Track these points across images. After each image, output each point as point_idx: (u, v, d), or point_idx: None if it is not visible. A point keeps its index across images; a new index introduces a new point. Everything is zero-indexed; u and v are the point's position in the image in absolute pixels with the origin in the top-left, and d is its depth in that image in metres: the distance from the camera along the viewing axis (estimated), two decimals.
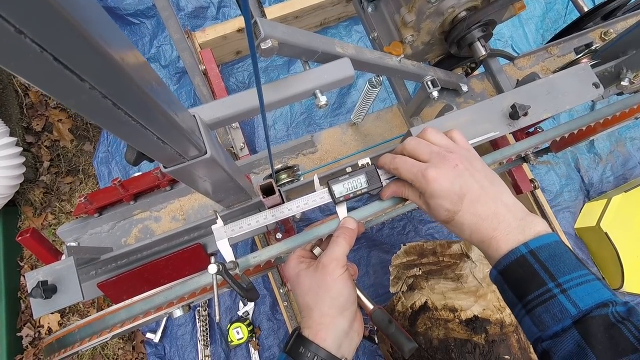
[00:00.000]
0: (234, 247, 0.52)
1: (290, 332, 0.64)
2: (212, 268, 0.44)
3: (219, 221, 0.50)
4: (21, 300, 1.36)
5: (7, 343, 1.28)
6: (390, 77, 0.87)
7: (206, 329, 1.26)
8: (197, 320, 1.27)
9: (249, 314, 1.27)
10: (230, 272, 0.47)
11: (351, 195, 0.50)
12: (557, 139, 0.63)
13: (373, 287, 1.28)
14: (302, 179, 0.71)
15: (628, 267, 1.17)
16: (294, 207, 0.51)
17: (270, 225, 0.58)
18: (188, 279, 0.51)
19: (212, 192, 0.50)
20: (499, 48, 0.95)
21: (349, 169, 0.51)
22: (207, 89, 1.09)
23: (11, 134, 1.28)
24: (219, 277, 0.46)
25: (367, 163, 0.52)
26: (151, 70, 0.25)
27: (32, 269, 1.23)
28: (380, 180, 0.51)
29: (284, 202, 0.51)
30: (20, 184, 1.34)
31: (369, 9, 0.73)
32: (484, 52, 0.65)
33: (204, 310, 1.27)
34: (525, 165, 1.11)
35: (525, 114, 0.56)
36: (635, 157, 1.40)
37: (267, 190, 0.48)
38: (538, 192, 1.20)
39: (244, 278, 0.52)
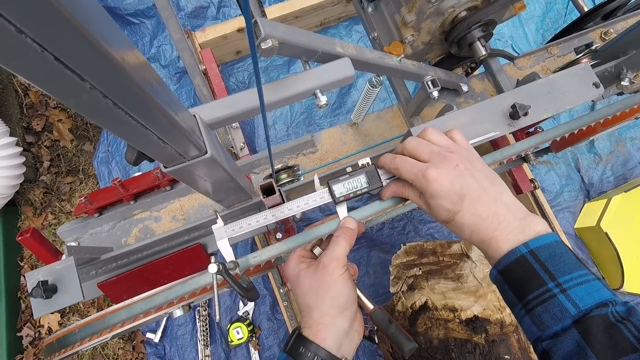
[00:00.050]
0: (234, 247, 0.52)
1: (290, 332, 0.64)
2: (213, 268, 0.44)
3: (219, 221, 0.50)
4: (21, 300, 1.36)
5: (7, 343, 1.28)
6: (390, 77, 0.87)
7: (206, 329, 1.26)
8: (197, 320, 1.27)
9: (249, 314, 1.27)
10: (231, 272, 0.47)
11: (351, 195, 0.50)
12: (557, 138, 0.63)
13: (373, 287, 1.28)
14: (302, 178, 0.71)
15: (628, 267, 1.17)
16: (294, 207, 0.51)
17: (270, 225, 0.58)
18: (188, 278, 0.51)
19: (212, 192, 0.50)
20: (499, 48, 0.95)
21: (349, 169, 0.51)
22: (207, 89, 1.09)
23: (11, 134, 1.28)
24: (219, 276, 0.46)
25: (368, 163, 0.52)
26: (152, 70, 0.25)
27: (32, 269, 1.23)
28: (381, 180, 0.51)
29: (284, 202, 0.51)
30: (21, 183, 1.34)
31: (369, 9, 0.73)
32: (484, 52, 0.65)
33: (204, 310, 1.27)
34: (525, 165, 1.11)
35: (526, 114, 0.56)
36: (635, 157, 1.40)
37: (268, 190, 0.48)
38: (538, 192, 1.20)
39: (244, 278, 0.52)
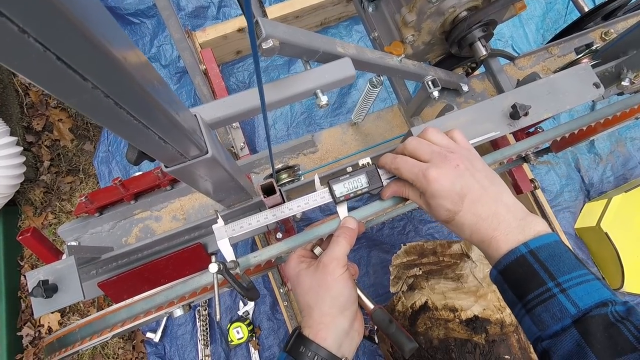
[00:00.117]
0: (235, 246, 0.52)
1: (290, 331, 0.64)
2: (213, 267, 0.44)
3: (220, 221, 0.50)
4: (21, 300, 1.36)
5: (7, 342, 1.28)
6: (390, 77, 0.87)
7: (206, 329, 1.26)
8: (197, 319, 1.27)
9: (249, 314, 1.27)
10: (231, 272, 0.47)
11: (352, 195, 0.50)
12: (558, 139, 0.63)
13: (373, 287, 1.28)
14: (302, 178, 0.71)
15: (628, 268, 1.17)
16: (295, 207, 0.51)
17: (270, 225, 0.58)
18: (188, 278, 0.52)
19: (212, 191, 0.50)
20: (500, 48, 0.95)
21: (349, 169, 0.51)
22: (208, 89, 1.09)
23: (11, 134, 1.28)
24: (219, 276, 0.46)
25: (368, 163, 0.52)
26: (153, 69, 0.26)
27: (32, 269, 1.23)
28: (381, 180, 0.51)
29: (284, 202, 0.51)
30: (21, 183, 1.34)
31: (370, 9, 0.73)
32: (484, 52, 0.65)
33: (204, 310, 1.28)
34: (525, 165, 1.11)
35: (526, 114, 0.56)
36: (635, 157, 1.40)
37: (268, 190, 0.48)
38: (538, 192, 1.20)
39: (244, 277, 0.52)
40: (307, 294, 0.47)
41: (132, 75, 0.21)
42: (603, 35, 0.86)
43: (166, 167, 0.37)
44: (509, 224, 0.42)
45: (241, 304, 1.28)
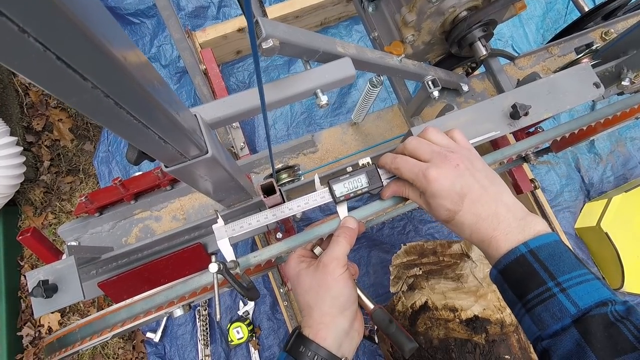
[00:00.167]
0: (235, 246, 0.52)
1: (290, 331, 0.64)
2: (213, 267, 0.44)
3: (220, 220, 0.50)
4: (21, 300, 1.36)
5: (7, 342, 1.28)
6: (390, 76, 0.87)
7: (206, 329, 1.26)
8: (197, 319, 1.27)
9: (249, 314, 1.27)
10: (231, 272, 0.47)
11: (352, 194, 0.50)
12: (558, 138, 0.63)
13: (373, 287, 1.28)
14: (302, 178, 0.71)
15: (628, 267, 1.17)
16: (295, 207, 0.51)
17: (270, 225, 0.58)
18: (189, 278, 0.52)
19: (212, 191, 0.50)
20: (500, 48, 0.95)
21: (349, 169, 0.51)
22: (208, 89, 1.09)
23: (11, 134, 1.28)
24: (219, 276, 0.46)
25: (368, 163, 0.52)
26: (153, 69, 0.26)
27: (32, 269, 1.23)
28: (381, 179, 0.51)
29: (284, 202, 0.51)
30: (21, 183, 1.34)
31: (370, 9, 0.73)
32: (484, 52, 0.65)
33: (204, 310, 1.28)
34: (525, 165, 1.11)
35: (526, 114, 0.56)
36: (635, 157, 1.40)
37: (268, 190, 0.48)
38: (538, 192, 1.20)
39: (244, 277, 0.52)
40: (307, 293, 0.47)
41: (132, 75, 0.21)
42: (603, 35, 0.86)
43: (166, 167, 0.37)
44: (508, 224, 0.42)
45: (241, 303, 1.28)
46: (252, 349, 1.25)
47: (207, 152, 0.37)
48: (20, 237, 0.56)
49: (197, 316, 1.27)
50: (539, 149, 0.91)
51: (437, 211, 0.45)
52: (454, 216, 0.44)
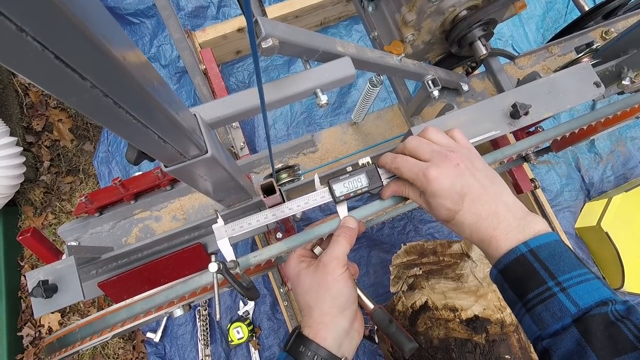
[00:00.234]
0: (235, 246, 0.52)
1: (290, 331, 0.64)
2: (213, 267, 0.44)
3: (220, 220, 0.50)
4: (21, 300, 1.36)
5: (7, 342, 1.28)
6: (390, 76, 0.87)
7: (206, 329, 1.26)
8: (197, 319, 1.27)
9: (249, 314, 1.27)
10: (231, 271, 0.47)
11: (352, 194, 0.50)
12: (558, 138, 0.63)
13: (373, 287, 1.28)
14: (302, 178, 0.71)
15: (629, 267, 1.17)
16: (295, 207, 0.51)
17: (270, 225, 0.58)
18: (188, 278, 0.51)
19: (212, 191, 0.50)
20: (500, 47, 0.94)
21: (349, 168, 0.51)
22: (208, 89, 1.09)
23: (11, 134, 1.28)
24: (219, 276, 0.46)
25: (368, 162, 0.52)
26: (152, 69, 0.25)
27: (32, 269, 1.23)
28: (381, 179, 0.51)
29: (284, 202, 0.51)
30: (21, 183, 1.34)
31: (370, 8, 0.73)
32: (484, 51, 0.65)
33: (205, 310, 1.28)
34: (525, 165, 1.11)
35: (526, 113, 0.56)
36: (635, 156, 1.40)
37: (268, 190, 0.48)
38: (538, 191, 1.20)
39: (244, 277, 0.52)
40: (307, 293, 0.47)
41: (131, 74, 0.21)
42: (603, 34, 0.86)
43: (166, 166, 0.37)
44: (509, 223, 0.42)
45: (241, 303, 1.28)
46: (252, 349, 1.25)
47: (206, 152, 0.37)
48: (20, 237, 0.56)
49: (197, 316, 1.27)
50: (539, 149, 0.91)
51: (437, 211, 0.45)
52: (454, 216, 0.44)
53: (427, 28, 0.66)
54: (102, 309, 0.53)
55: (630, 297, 1.25)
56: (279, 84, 0.48)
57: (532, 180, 1.04)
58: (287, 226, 0.89)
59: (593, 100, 0.60)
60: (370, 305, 0.49)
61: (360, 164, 0.52)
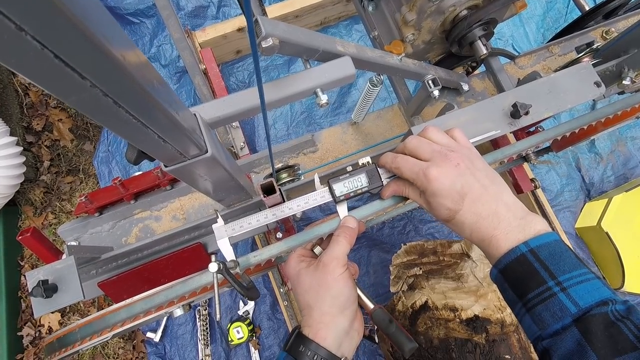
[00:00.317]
0: (235, 246, 0.52)
1: (290, 331, 0.64)
2: (213, 266, 0.44)
3: (220, 220, 0.50)
4: (22, 300, 1.36)
5: (7, 342, 1.28)
6: (391, 76, 0.87)
7: (206, 329, 1.26)
8: (197, 319, 1.27)
9: (249, 314, 1.27)
10: (231, 271, 0.47)
11: (352, 194, 0.50)
12: (558, 138, 0.62)
13: (373, 287, 1.28)
14: (302, 178, 0.71)
15: (629, 267, 1.17)
16: (295, 206, 0.51)
17: (270, 225, 0.58)
18: (188, 278, 0.51)
19: (212, 191, 0.50)
20: (500, 47, 0.94)
21: (349, 168, 0.51)
22: (208, 89, 1.09)
23: (11, 134, 1.28)
24: (219, 276, 0.46)
25: (368, 162, 0.52)
26: (152, 69, 0.25)
27: (32, 269, 1.23)
28: (381, 179, 0.51)
29: (284, 201, 0.51)
30: (21, 183, 1.34)
31: (370, 8, 0.73)
32: (485, 51, 0.65)
33: (205, 310, 1.28)
34: (526, 165, 1.11)
35: (527, 113, 0.56)
36: (636, 156, 1.40)
37: (268, 190, 0.48)
38: (539, 191, 1.20)
39: (244, 277, 0.52)
40: (307, 293, 0.47)
41: (131, 74, 0.21)
42: (604, 34, 0.86)
43: (166, 166, 0.37)
44: (509, 223, 0.42)
45: (241, 303, 1.28)
46: (252, 349, 1.25)
47: (206, 152, 0.37)
48: (20, 237, 0.56)
49: (197, 316, 1.27)
50: (539, 149, 0.91)
51: (437, 210, 0.45)
52: (455, 215, 0.44)
53: (428, 28, 0.66)
54: (102, 309, 0.53)
55: (631, 297, 1.25)
56: (279, 83, 0.48)
57: (532, 180, 1.04)
58: (287, 226, 0.89)
59: (593, 100, 0.60)
60: (370, 305, 0.49)
61: (360, 164, 0.52)
